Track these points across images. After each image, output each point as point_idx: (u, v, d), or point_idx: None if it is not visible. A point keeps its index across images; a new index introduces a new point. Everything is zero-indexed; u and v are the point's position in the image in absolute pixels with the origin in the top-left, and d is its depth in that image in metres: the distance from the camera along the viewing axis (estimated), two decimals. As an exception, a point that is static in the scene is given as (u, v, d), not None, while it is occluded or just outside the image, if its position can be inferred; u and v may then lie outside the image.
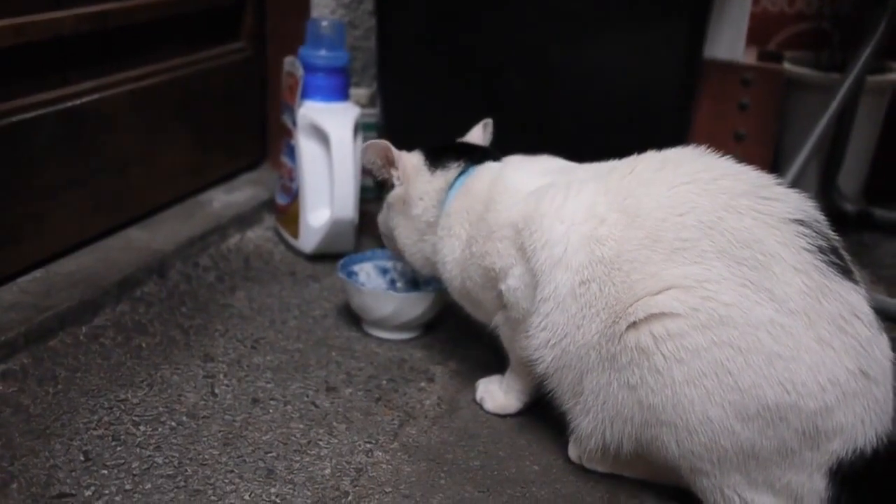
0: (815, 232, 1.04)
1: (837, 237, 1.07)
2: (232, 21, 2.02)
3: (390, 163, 1.37)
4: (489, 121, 1.45)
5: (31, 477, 1.10)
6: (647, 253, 1.07)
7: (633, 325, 1.05)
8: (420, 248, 1.37)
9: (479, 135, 1.45)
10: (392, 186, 1.38)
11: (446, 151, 1.38)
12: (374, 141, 1.37)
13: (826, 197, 2.02)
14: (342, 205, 1.69)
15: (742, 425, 1.00)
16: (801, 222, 1.04)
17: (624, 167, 1.17)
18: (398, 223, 1.39)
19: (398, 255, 1.45)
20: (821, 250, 1.03)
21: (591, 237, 1.11)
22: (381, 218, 1.45)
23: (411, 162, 1.37)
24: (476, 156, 1.36)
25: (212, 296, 1.60)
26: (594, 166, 1.23)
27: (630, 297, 1.07)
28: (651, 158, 1.16)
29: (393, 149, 1.36)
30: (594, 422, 1.12)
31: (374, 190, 1.92)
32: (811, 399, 0.98)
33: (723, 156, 1.15)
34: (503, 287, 1.22)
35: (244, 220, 1.88)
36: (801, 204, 1.07)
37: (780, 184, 1.10)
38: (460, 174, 1.34)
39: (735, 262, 1.02)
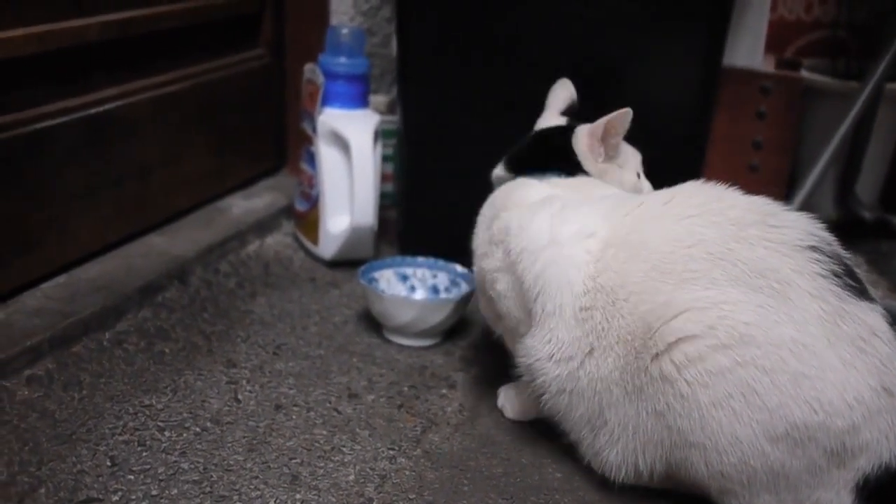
0: (828, 256, 1.04)
1: (849, 257, 1.07)
2: (251, 28, 2.04)
3: None
4: (567, 80, 1.40)
5: (58, 482, 1.11)
6: (654, 284, 1.07)
7: (655, 357, 1.06)
8: None
9: (565, 96, 1.39)
10: None
11: (528, 154, 1.35)
12: None
13: (843, 205, 2.02)
14: (362, 212, 1.69)
15: (771, 445, 1.00)
16: (813, 248, 1.04)
17: (634, 201, 1.17)
18: None
19: None
20: (835, 274, 1.03)
21: (588, 263, 1.12)
22: None
23: None
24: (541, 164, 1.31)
25: (233, 302, 1.61)
26: (614, 193, 1.23)
27: (644, 329, 1.07)
28: (661, 193, 1.17)
29: None
30: (624, 452, 1.12)
31: (392, 196, 1.94)
32: (839, 418, 0.99)
33: (732, 184, 1.14)
34: (493, 293, 1.24)
35: (263, 226, 1.89)
36: (811, 229, 1.07)
37: (788, 210, 1.10)
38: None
39: (751, 290, 1.02)
